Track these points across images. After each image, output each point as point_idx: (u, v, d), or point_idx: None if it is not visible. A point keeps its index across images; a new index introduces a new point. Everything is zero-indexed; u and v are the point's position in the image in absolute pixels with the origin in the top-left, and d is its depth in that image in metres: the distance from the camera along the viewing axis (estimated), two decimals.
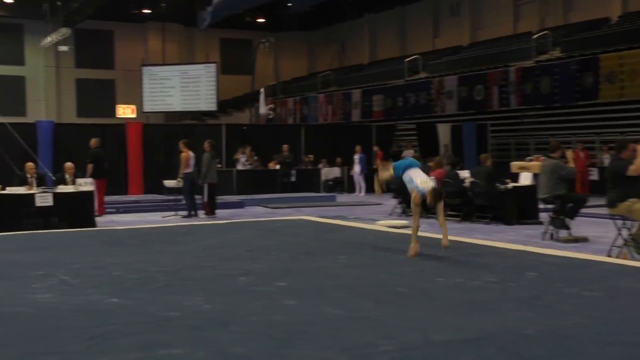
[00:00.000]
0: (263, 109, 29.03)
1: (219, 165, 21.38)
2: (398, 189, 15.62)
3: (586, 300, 5.73)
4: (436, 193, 7.92)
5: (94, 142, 16.29)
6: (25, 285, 6.51)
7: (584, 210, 11.57)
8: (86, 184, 13.15)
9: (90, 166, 15.68)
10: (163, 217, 15.44)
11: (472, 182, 13.85)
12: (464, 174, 14.74)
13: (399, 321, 5.01)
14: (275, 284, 6.46)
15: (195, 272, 7.18)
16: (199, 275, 6.96)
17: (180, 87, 36.09)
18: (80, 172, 14.71)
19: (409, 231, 11.26)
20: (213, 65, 36.18)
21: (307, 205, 18.21)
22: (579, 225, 11.95)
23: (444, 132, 24.66)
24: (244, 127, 24.43)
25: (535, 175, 13.85)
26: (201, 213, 15.53)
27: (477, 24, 32.56)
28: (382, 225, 12.28)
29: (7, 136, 16.81)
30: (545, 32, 26.27)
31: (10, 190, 12.61)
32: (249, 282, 6.56)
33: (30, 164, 13.71)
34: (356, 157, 22.61)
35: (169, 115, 39.42)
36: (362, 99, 29.34)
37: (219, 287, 6.36)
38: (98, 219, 13.82)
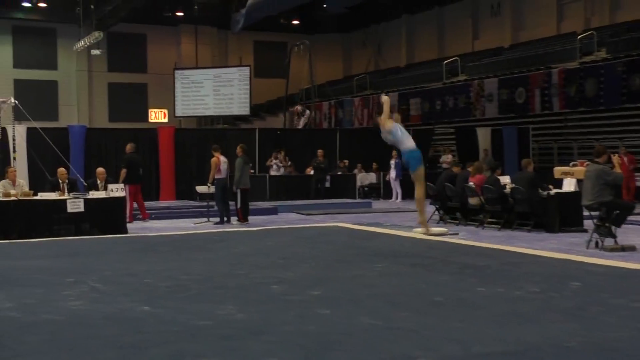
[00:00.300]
0: (302, 122, 29.28)
1: (252, 171, 21.48)
2: (436, 194, 15.54)
3: (633, 312, 5.63)
4: None
5: (129, 147, 16.51)
6: (56, 292, 6.60)
7: (631, 218, 11.38)
8: (117, 190, 13.29)
9: (123, 171, 15.87)
10: (195, 223, 15.54)
11: (513, 188, 13.73)
12: (505, 179, 14.61)
13: (436, 332, 4.97)
14: (309, 292, 6.46)
15: (228, 280, 7.21)
16: (231, 284, 6.99)
17: (213, 90, 36.35)
18: (111, 178, 14.89)
19: (448, 239, 11.23)
20: (246, 68, 36.39)
21: (342, 211, 18.19)
22: (626, 233, 11.75)
23: (483, 136, 24.47)
24: (278, 132, 24.48)
25: (579, 181, 13.67)
26: (234, 219, 15.60)
27: (519, 24, 32.29)
28: (420, 232, 12.21)
29: (39, 141, 17.08)
30: (591, 32, 25.93)
31: (41, 195, 12.81)
32: (282, 291, 6.57)
33: (62, 170, 13.92)
34: (392, 162, 22.53)
35: (201, 119, 39.72)
36: (399, 103, 29.24)
37: (252, 296, 6.37)
38: (129, 225, 13.97)
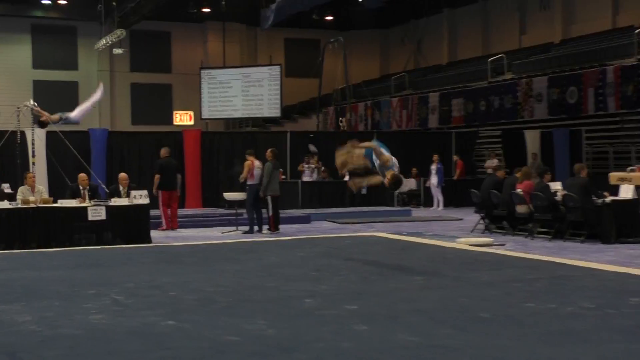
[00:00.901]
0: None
1: (283, 177, 21.54)
2: (481, 202, 15.45)
3: None
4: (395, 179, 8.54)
5: (163, 151, 16.73)
6: (77, 304, 6.66)
7: None
8: (141, 197, 13.41)
9: (157, 177, 16.06)
10: (223, 232, 15.63)
11: (564, 196, 13.59)
12: (556, 186, 14.48)
13: (481, 351, 4.93)
14: (344, 307, 6.44)
15: (257, 293, 7.23)
16: (261, 297, 7.00)
17: (241, 91, 36.52)
18: (134, 184, 15.04)
19: (494, 249, 11.14)
20: (277, 67, 36.51)
21: (379, 220, 18.17)
22: None
23: (532, 139, 24.27)
24: (311, 135, 24.54)
25: (638, 188, 13.47)
26: (265, 228, 15.65)
27: (570, 18, 31.98)
28: (464, 243, 12.14)
29: (59, 145, 17.30)
30: None
31: (61, 202, 12.97)
32: (316, 305, 6.56)
33: (83, 175, 14.09)
34: (433, 167, 22.46)
35: (229, 122, 39.96)
36: (440, 103, 29.13)
37: (283, 310, 6.37)
38: (153, 234, 14.08)
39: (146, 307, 6.54)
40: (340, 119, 30.34)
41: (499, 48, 33.77)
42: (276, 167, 15.88)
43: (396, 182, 8.73)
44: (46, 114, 13.70)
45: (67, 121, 13.83)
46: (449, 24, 38.54)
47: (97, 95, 14.79)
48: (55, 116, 13.92)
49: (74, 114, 14.00)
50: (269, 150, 16.06)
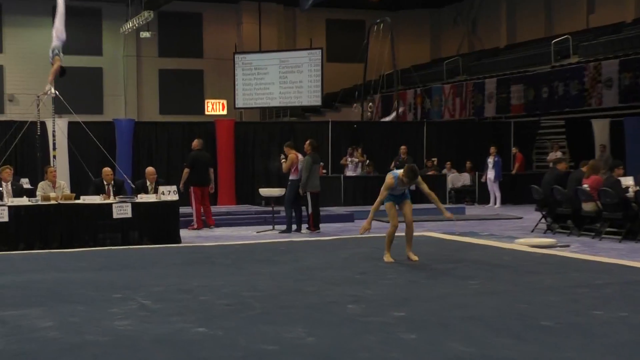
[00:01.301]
0: (389, 117, 29.34)
1: (324, 171, 21.56)
2: (542, 199, 15.32)
3: None
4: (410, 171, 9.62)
5: (196, 143, 16.81)
6: (102, 309, 6.76)
7: None
8: (170, 193, 13.51)
9: (186, 171, 16.17)
10: (258, 232, 15.69)
11: (637, 192, 13.41)
12: (627, 181, 14.29)
13: None
14: (391, 313, 6.45)
15: (296, 298, 7.26)
16: (300, 302, 7.03)
17: (279, 78, 36.60)
18: (162, 179, 15.17)
19: (557, 251, 11.04)
20: (318, 51, 36.49)
21: (429, 219, 18.09)
22: None
23: (600, 129, 23.98)
24: (355, 125, 24.51)
25: None
26: (304, 227, 15.69)
27: None
28: (523, 244, 12.07)
29: (82, 137, 17.53)
30: None
31: (84, 199, 13.12)
32: (360, 311, 6.57)
33: (107, 170, 14.23)
34: (490, 160, 22.29)
35: (265, 111, 40.07)
36: (498, 90, 28.89)
37: (324, 317, 6.39)
38: (183, 234, 14.19)
39: (175, 312, 6.61)
40: (400, 108, 30.16)
41: (563, 28, 33.39)
42: (316, 160, 15.87)
43: (410, 171, 9.66)
44: (53, 70, 14.48)
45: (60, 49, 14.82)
46: (508, 2, 38.20)
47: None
48: (56, 64, 14.80)
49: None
50: (307, 142, 16.03)
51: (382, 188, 9.92)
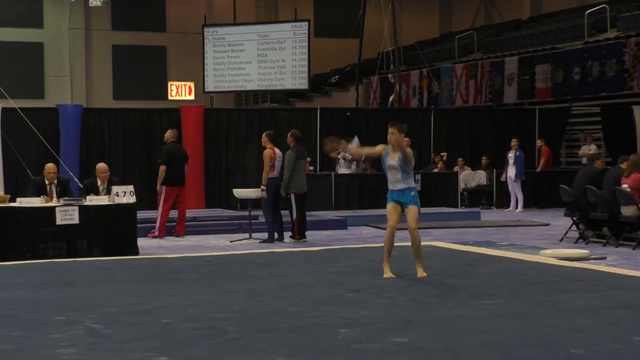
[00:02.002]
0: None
1: (311, 168, 21.54)
2: (574, 202, 15.35)
3: None
4: None
5: (169, 134, 16.77)
6: (41, 335, 6.73)
7: None
8: (125, 194, 13.47)
9: (162, 169, 16.12)
10: (232, 241, 15.68)
11: None
12: None
13: None
14: (390, 339, 6.45)
15: (277, 320, 7.25)
16: (281, 325, 7.02)
17: (257, 56, 36.50)
18: (116, 177, 15.13)
19: (590, 265, 11.06)
20: (304, 24, 36.40)
21: (437, 225, 18.11)
22: None
23: None
24: (348, 113, 24.52)
25: None
26: (288, 235, 15.68)
27: None
28: (550, 256, 12.08)
29: (18, 126, 17.46)
30: None
31: (21, 202, 13.06)
32: (353, 337, 6.57)
33: (50, 166, 14.16)
34: (511, 155, 22.32)
35: (241, 96, 40.02)
36: (520, 71, 28.94)
37: (310, 343, 6.39)
38: (143, 243, 14.16)
39: (131, 338, 6.58)
40: (392, 95, 30.22)
41: None
42: (301, 155, 15.84)
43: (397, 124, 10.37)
44: None
45: None
46: None
47: None
48: None
49: None
50: (290, 133, 16.01)
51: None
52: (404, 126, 10.38)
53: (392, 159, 10.25)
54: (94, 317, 7.40)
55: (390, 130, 10.19)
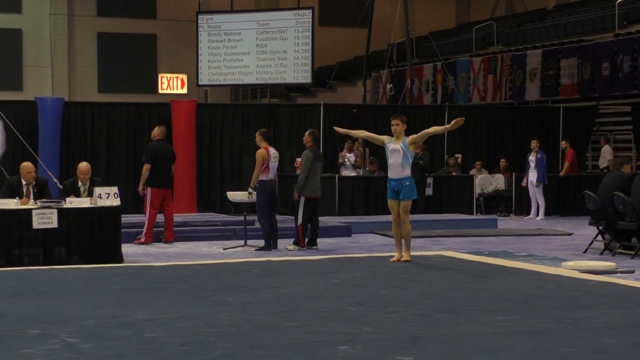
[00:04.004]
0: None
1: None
2: (600, 210, 15.33)
3: None
4: None
5: (156, 131, 16.77)
6: (12, 350, 6.73)
7: None
8: (108, 196, 13.48)
9: (146, 167, 16.14)
10: (225, 248, 15.70)
11: None
12: None
13: None
14: (393, 357, 6.46)
15: (271, 335, 7.26)
16: (276, 341, 7.03)
17: (256, 46, 36.53)
18: (99, 178, 15.13)
19: (617, 279, 11.06)
20: (308, 11, 36.42)
21: (450, 233, 18.12)
22: None
23: None
24: (354, 110, 24.53)
25: None
26: (290, 243, 15.70)
27: None
28: (572, 268, 12.07)
29: None
30: None
31: None
32: (354, 354, 6.58)
33: (27, 165, 14.15)
34: (532, 158, 22.31)
35: (238, 90, 40.01)
36: (544, 66, 28.93)
37: None
38: (127, 250, 14.17)
39: (111, 354, 6.60)
40: (390, 85, 30.21)
41: None
42: (318, 157, 15.92)
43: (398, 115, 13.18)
44: None
45: None
46: None
47: None
48: None
49: None
50: (308, 132, 16.08)
51: None
52: (404, 118, 12.91)
53: (396, 144, 12.47)
54: (71, 331, 7.41)
55: (394, 122, 12.65)
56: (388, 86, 30.98)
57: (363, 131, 14.14)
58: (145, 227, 16.26)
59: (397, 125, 12.59)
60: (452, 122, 12.47)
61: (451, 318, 8.08)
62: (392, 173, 12.51)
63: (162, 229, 16.52)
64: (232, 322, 7.81)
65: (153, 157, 16.23)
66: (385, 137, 12.90)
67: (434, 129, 13.22)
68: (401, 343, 6.97)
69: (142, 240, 16.13)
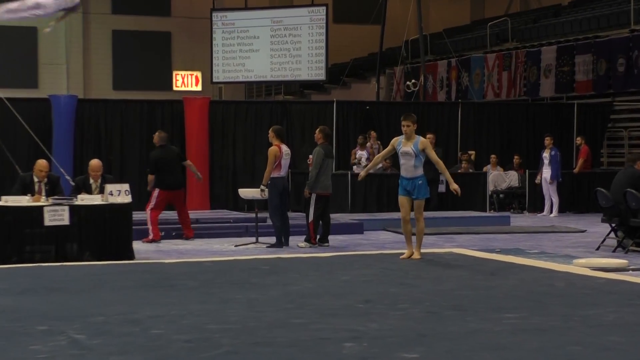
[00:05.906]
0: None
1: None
2: (612, 207, 15.28)
3: None
4: None
5: (156, 138, 16.71)
6: (20, 346, 6.75)
7: None
8: (120, 193, 13.48)
9: (151, 178, 16.15)
10: (236, 245, 15.70)
11: None
12: None
13: None
14: (401, 354, 6.46)
15: (278, 332, 7.27)
16: (282, 338, 7.04)
17: (270, 43, 36.54)
18: (111, 175, 15.14)
19: (630, 276, 11.03)
20: (322, 9, 36.43)
21: (462, 230, 18.08)
22: None
23: None
24: (367, 107, 24.50)
25: None
26: (301, 240, 15.69)
27: None
28: (584, 265, 12.04)
29: (8, 118, 17.47)
30: None
31: (6, 200, 13.09)
32: (360, 351, 6.58)
33: (42, 163, 14.12)
34: (546, 155, 22.24)
35: (252, 87, 40.01)
36: (558, 62, 28.86)
37: (313, 358, 6.40)
38: (139, 247, 14.18)
39: (117, 350, 6.61)
40: (408, 82, 30.15)
41: None
42: (329, 154, 15.91)
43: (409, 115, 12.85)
44: None
45: None
46: None
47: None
48: None
49: None
50: (319, 129, 16.07)
51: None
52: (415, 117, 12.89)
53: (407, 147, 12.46)
54: (79, 327, 7.42)
55: (405, 123, 12.57)
56: (410, 82, 30.85)
57: (377, 158, 14.24)
58: (149, 225, 16.14)
59: (407, 126, 12.54)
60: (455, 185, 12.45)
61: (459, 315, 8.07)
62: (405, 172, 12.58)
63: (177, 225, 16.51)
64: (238, 319, 7.82)
65: (155, 167, 16.24)
66: (393, 141, 12.85)
67: (443, 168, 13.21)
68: (407, 340, 6.97)
69: (150, 237, 16.03)
